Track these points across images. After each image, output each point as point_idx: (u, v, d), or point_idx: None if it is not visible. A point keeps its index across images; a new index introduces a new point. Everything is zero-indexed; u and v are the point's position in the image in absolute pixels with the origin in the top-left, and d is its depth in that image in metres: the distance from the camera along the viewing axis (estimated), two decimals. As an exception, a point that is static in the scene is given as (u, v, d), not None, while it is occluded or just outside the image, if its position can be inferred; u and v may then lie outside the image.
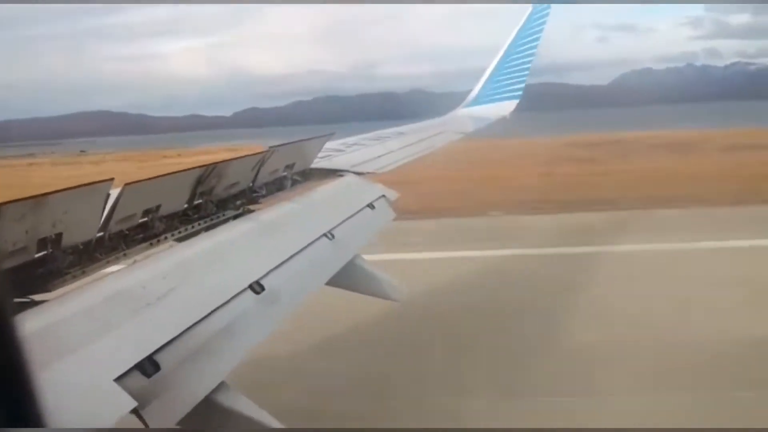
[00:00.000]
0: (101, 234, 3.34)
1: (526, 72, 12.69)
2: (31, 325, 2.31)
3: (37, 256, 2.91)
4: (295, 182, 5.56)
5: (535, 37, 12.75)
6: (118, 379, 2.30)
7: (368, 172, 6.50)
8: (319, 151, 6.07)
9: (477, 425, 6.74)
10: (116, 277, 3.00)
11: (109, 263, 3.38)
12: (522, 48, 12.82)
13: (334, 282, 4.39)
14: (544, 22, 12.76)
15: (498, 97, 12.79)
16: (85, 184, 2.98)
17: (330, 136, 6.39)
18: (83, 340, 2.38)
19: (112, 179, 3.14)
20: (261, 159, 4.75)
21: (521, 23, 13.00)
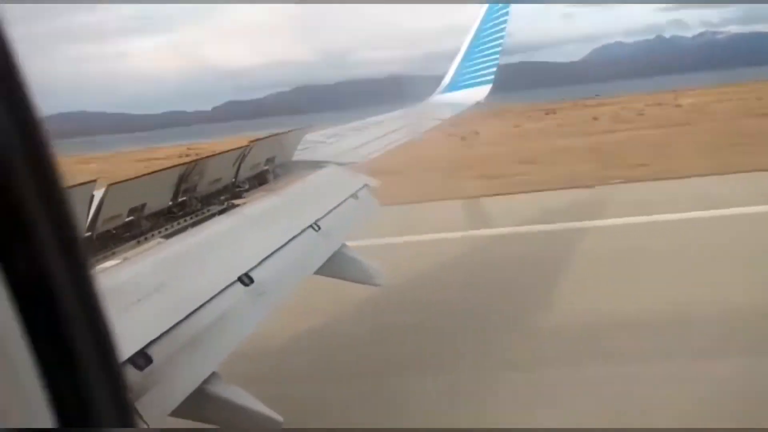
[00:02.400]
0: (88, 234, 3.38)
1: (497, 55, 12.74)
2: None
3: None
4: (277, 175, 5.62)
5: (503, 18, 12.79)
6: None
7: (350, 162, 6.56)
8: (299, 143, 6.12)
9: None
10: (106, 275, 3.02)
11: (98, 262, 3.41)
12: (490, 29, 12.86)
13: (322, 271, 4.46)
14: (509, 3, 12.81)
15: (472, 82, 12.85)
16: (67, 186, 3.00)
17: (308, 128, 6.44)
18: None
19: (95, 180, 3.18)
20: (241, 154, 4.81)
21: (487, 5, 13.04)
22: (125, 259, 3.49)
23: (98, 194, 3.34)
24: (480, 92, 12.61)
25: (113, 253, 3.58)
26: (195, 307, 2.99)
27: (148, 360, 2.53)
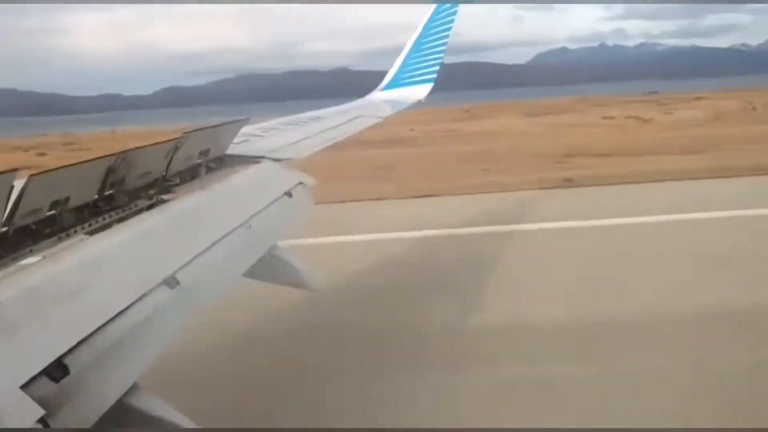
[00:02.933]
0: (5, 229, 3.22)
1: (442, 54, 12.77)
2: None
3: None
4: (210, 169, 5.47)
5: (449, 18, 12.81)
6: (25, 386, 2.21)
7: (286, 158, 6.46)
8: (235, 136, 5.98)
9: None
10: (22, 274, 2.87)
11: (14, 260, 3.26)
12: (436, 29, 12.88)
13: (251, 273, 4.35)
14: (457, 5, 12.84)
15: (413, 80, 12.85)
16: None
17: (245, 120, 6.30)
18: None
19: (16, 170, 3.03)
20: (174, 146, 4.63)
21: (435, 3, 13.08)
22: (44, 257, 3.32)
23: (18, 185, 3.15)
24: (422, 90, 12.64)
25: (31, 251, 3.40)
26: (117, 312, 2.86)
27: (65, 370, 2.40)
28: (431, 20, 12.92)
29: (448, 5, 12.87)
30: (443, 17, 12.88)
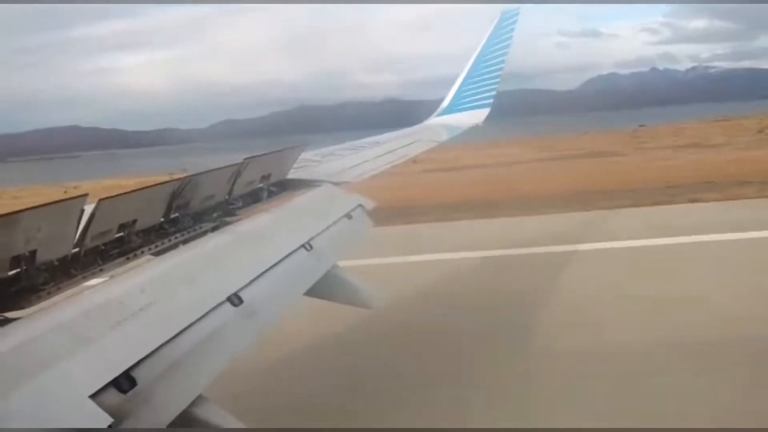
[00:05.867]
0: (76, 250, 3.32)
1: (497, 79, 12.74)
2: (3, 341, 2.29)
3: (10, 274, 2.89)
4: (271, 193, 5.55)
5: (505, 43, 12.81)
6: (94, 396, 2.28)
7: (345, 182, 6.51)
8: (294, 161, 6.07)
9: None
10: (93, 292, 2.95)
11: (85, 279, 3.36)
12: (492, 55, 12.88)
13: (312, 292, 4.38)
14: (513, 28, 12.83)
15: (470, 105, 12.84)
16: (58, 201, 2.98)
17: (304, 146, 6.40)
18: (58, 355, 2.35)
19: (86, 195, 3.13)
20: (236, 171, 4.75)
21: (491, 29, 13.07)
22: (113, 276, 3.41)
23: (89, 209, 3.27)
24: (478, 115, 12.62)
25: (101, 270, 3.50)
26: (182, 328, 2.92)
27: (133, 382, 2.46)
28: (497, 27, 12.89)
29: (511, 11, 12.86)
30: (506, 24, 12.86)
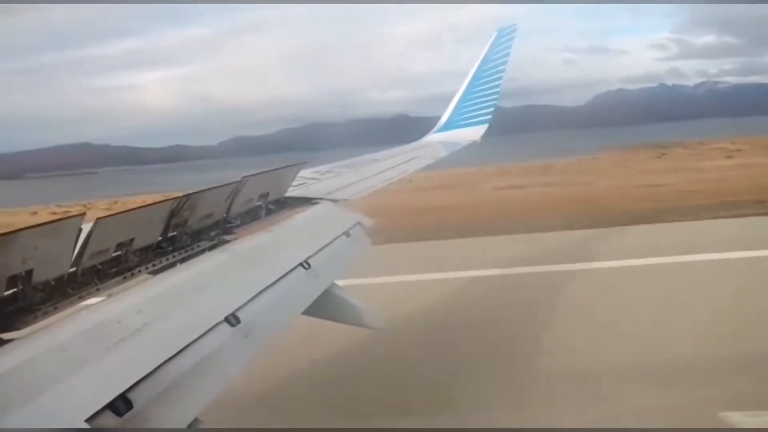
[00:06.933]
0: (73, 269, 3.33)
1: (496, 95, 12.74)
2: None
3: (6, 293, 2.89)
4: (269, 211, 5.55)
5: (503, 60, 12.84)
6: (90, 419, 2.27)
7: (343, 200, 6.51)
8: (293, 179, 6.07)
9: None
10: (89, 312, 2.97)
11: (81, 298, 3.36)
12: (490, 71, 12.92)
13: (310, 312, 4.38)
14: (510, 45, 12.86)
15: (468, 121, 12.87)
16: (55, 220, 2.98)
17: (303, 164, 6.41)
18: (54, 378, 2.36)
19: (83, 214, 3.15)
20: (234, 189, 4.74)
21: (487, 46, 13.12)
22: (110, 295, 3.43)
23: (86, 228, 3.28)
24: (476, 132, 12.63)
25: (98, 289, 3.50)
26: (179, 348, 2.92)
27: (129, 405, 2.46)
28: (494, 44, 12.93)
29: (508, 29, 12.90)
30: (503, 41, 12.89)
